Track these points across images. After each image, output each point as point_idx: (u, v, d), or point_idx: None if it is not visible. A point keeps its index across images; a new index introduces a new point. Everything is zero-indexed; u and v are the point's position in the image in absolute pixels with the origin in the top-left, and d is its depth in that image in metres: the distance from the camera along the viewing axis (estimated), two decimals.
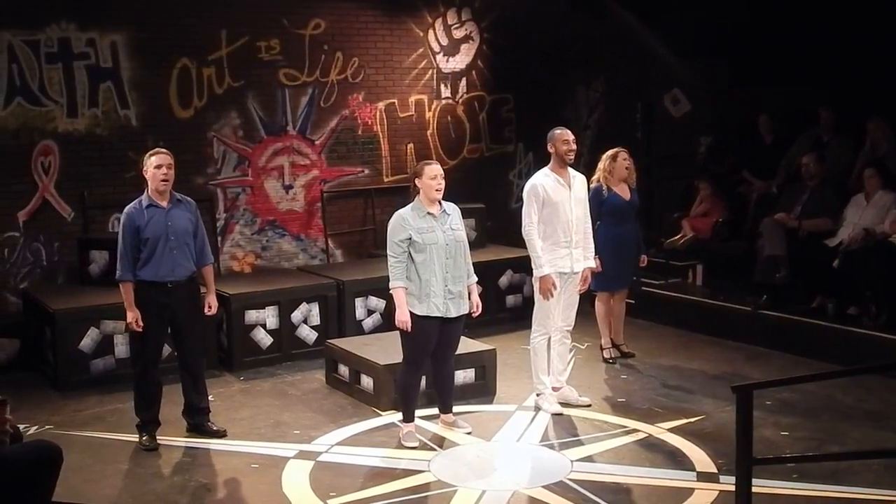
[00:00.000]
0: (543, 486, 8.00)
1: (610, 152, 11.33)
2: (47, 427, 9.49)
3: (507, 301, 13.41)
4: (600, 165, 11.29)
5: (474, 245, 10.27)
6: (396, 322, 8.80)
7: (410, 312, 8.70)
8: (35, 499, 6.17)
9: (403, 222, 8.76)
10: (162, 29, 12.80)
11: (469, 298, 9.07)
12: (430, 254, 8.68)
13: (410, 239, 8.68)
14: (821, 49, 12.75)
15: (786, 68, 13.21)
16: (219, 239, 13.32)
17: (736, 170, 14.12)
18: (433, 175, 8.78)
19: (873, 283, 11.19)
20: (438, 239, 8.71)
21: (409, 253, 8.71)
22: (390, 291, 8.88)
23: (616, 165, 11.19)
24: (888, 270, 11.00)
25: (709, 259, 13.63)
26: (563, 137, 9.71)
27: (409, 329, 8.72)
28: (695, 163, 15.16)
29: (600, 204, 11.05)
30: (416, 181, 8.89)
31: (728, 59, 14.45)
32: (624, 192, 11.25)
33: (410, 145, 14.85)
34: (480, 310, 9.23)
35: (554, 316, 9.80)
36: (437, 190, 8.78)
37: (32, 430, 9.28)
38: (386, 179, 14.67)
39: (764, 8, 13.34)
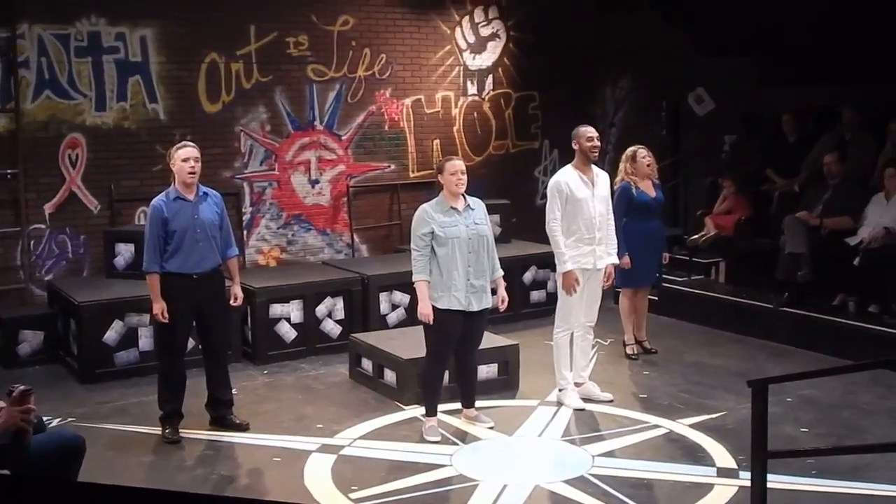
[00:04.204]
0: (564, 481, 8.02)
1: (628, 152, 11.36)
2: (70, 419, 9.54)
3: (531, 297, 13.46)
4: (621, 167, 11.32)
5: (499, 241, 10.33)
6: (418, 315, 8.86)
7: (433, 306, 8.75)
8: None
9: (427, 216, 8.82)
10: (191, 24, 12.90)
11: (496, 293, 9.14)
12: (452, 247, 8.73)
13: (433, 233, 8.73)
14: (844, 49, 12.74)
15: (810, 68, 13.19)
16: (245, 233, 13.40)
17: (759, 168, 14.12)
18: (453, 171, 8.86)
19: (894, 281, 11.20)
20: (461, 233, 8.76)
21: (432, 247, 8.78)
22: (413, 285, 8.95)
23: (638, 165, 11.23)
24: None
25: (732, 256, 13.66)
26: (587, 134, 9.74)
27: (431, 322, 8.77)
28: (719, 161, 15.17)
29: (629, 202, 11.10)
30: (439, 177, 8.99)
31: (753, 59, 14.43)
32: (649, 189, 11.30)
33: (437, 141, 14.92)
34: (507, 304, 9.27)
35: (577, 312, 9.83)
36: (457, 185, 8.84)
37: (56, 422, 9.33)
38: (412, 175, 14.73)
39: (789, 8, 13.32)
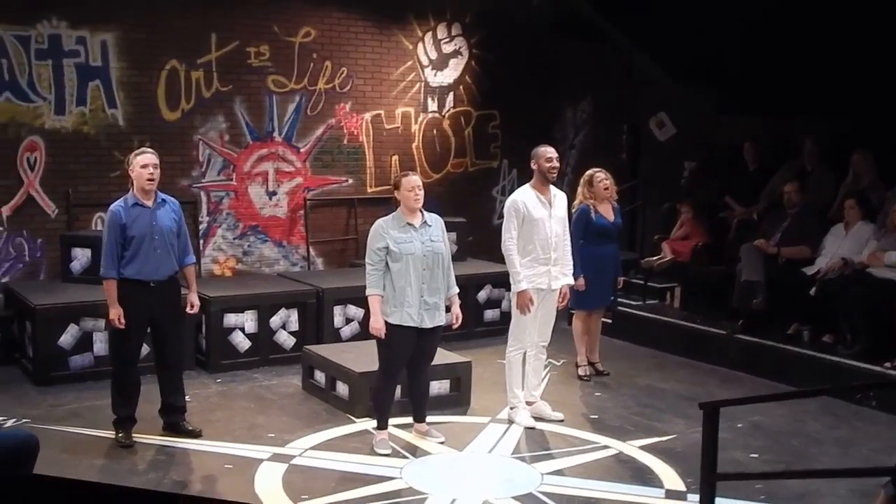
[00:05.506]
0: (513, 497, 8.05)
1: (585, 176, 11.39)
2: (24, 420, 9.51)
3: (485, 315, 13.50)
4: (579, 191, 11.34)
5: (455, 259, 10.33)
6: (370, 329, 8.89)
7: (385, 321, 8.77)
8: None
9: (382, 231, 8.84)
10: (152, 30, 12.87)
11: (450, 310, 9.18)
12: (405, 263, 8.75)
13: (388, 248, 8.76)
14: (808, 80, 12.81)
15: (773, 97, 13.26)
16: (201, 242, 13.36)
17: (718, 195, 14.17)
18: (410, 187, 8.87)
19: (849, 312, 11.21)
20: (416, 249, 8.78)
21: (387, 262, 8.79)
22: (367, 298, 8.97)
23: (595, 189, 11.24)
24: (864, 301, 11.00)
25: (687, 282, 13.70)
26: (546, 155, 9.77)
27: (383, 336, 8.79)
28: (678, 186, 15.20)
29: (587, 225, 11.13)
30: (396, 193, 9.01)
31: (716, 86, 14.48)
32: (608, 212, 11.32)
33: (395, 157, 14.94)
34: (461, 321, 9.31)
35: (530, 331, 9.86)
36: (415, 200, 8.86)
37: (9, 422, 9.34)
38: (369, 190, 14.75)
39: (753, 36, 13.40)
